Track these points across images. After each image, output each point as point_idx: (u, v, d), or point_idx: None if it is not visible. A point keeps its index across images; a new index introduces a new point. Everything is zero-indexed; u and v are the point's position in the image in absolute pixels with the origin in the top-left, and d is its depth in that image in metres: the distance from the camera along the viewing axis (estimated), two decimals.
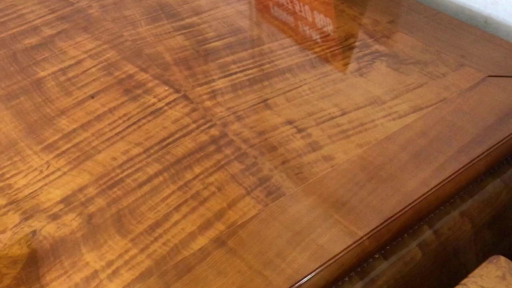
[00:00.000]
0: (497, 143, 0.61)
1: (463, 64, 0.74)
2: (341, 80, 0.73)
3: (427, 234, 0.59)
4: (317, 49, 0.80)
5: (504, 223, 0.67)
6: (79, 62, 0.81)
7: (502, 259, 0.52)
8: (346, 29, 0.84)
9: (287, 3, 0.92)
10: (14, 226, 0.57)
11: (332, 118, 0.67)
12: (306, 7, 0.91)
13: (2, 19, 0.93)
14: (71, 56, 0.83)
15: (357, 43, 0.81)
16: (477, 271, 0.51)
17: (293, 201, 0.57)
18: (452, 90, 0.70)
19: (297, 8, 0.91)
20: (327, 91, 0.72)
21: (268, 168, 0.61)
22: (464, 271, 0.54)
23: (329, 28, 0.85)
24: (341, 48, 0.80)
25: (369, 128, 0.65)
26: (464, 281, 0.50)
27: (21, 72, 0.80)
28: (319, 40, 0.82)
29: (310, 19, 0.88)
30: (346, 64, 0.76)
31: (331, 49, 0.80)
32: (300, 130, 0.66)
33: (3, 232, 0.56)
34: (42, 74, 0.79)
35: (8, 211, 0.58)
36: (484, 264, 0.52)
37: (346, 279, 0.54)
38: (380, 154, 0.61)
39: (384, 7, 0.90)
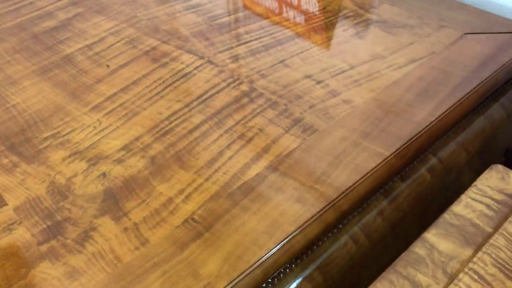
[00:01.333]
0: (482, 82, 0.74)
1: (443, 26, 0.88)
2: (344, 42, 0.85)
3: (432, 161, 0.70)
4: (317, 20, 0.91)
5: (490, 151, 0.80)
6: (102, 39, 0.87)
7: (500, 166, 0.65)
8: (338, 3, 0.96)
9: None
10: (83, 171, 0.63)
11: (344, 71, 0.78)
12: None
13: (13, 7, 0.98)
14: (92, 34, 0.89)
15: (350, 14, 0.92)
16: (482, 176, 0.64)
17: (326, 134, 0.67)
18: (438, 45, 0.83)
19: None
20: (334, 51, 0.83)
21: (299, 112, 0.70)
22: (463, 188, 0.65)
23: (324, 3, 0.96)
24: (338, 18, 0.91)
25: (376, 77, 0.76)
26: (474, 183, 0.62)
27: (48, 50, 0.85)
28: (317, 13, 0.93)
29: None
30: (345, 30, 0.88)
31: (330, 19, 0.91)
32: (318, 82, 0.76)
33: (74, 176, 0.62)
34: (69, 50, 0.85)
35: (74, 160, 0.64)
36: (486, 171, 0.64)
37: (373, 198, 0.64)
38: (390, 95, 0.73)
39: None
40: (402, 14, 0.91)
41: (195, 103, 0.73)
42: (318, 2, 0.97)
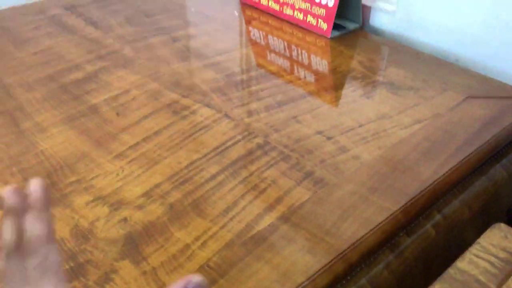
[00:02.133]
0: (483, 143, 0.79)
1: (446, 89, 0.93)
2: (353, 101, 0.90)
3: (437, 217, 0.74)
4: (328, 80, 0.97)
5: (492, 210, 0.83)
6: (126, 91, 0.93)
7: (502, 225, 0.68)
8: (348, 65, 1.02)
9: (288, 49, 1.09)
10: (105, 216, 0.66)
11: (353, 129, 0.83)
12: (305, 51, 1.09)
13: (44, 59, 1.05)
14: (116, 87, 0.95)
15: (359, 75, 0.98)
16: (485, 234, 0.66)
17: (336, 188, 0.70)
18: (442, 107, 0.88)
19: (297, 51, 1.09)
20: (343, 110, 0.88)
21: (310, 165, 0.75)
22: (467, 244, 0.68)
23: (334, 65, 1.03)
24: (347, 79, 0.97)
25: (384, 136, 0.81)
26: (478, 240, 0.65)
27: (75, 100, 0.91)
28: (328, 73, 0.99)
29: (311, 59, 1.06)
30: (354, 90, 0.93)
31: (339, 80, 0.97)
32: (329, 138, 0.80)
33: (97, 220, 0.66)
34: (95, 101, 0.91)
35: (97, 205, 0.68)
36: (488, 230, 0.67)
37: (380, 252, 0.67)
38: (396, 153, 0.77)
39: (375, 49, 1.09)
40: (408, 77, 0.97)
41: (212, 153, 0.77)
42: (329, 63, 1.04)
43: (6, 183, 0.72)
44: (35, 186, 0.37)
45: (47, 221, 0.37)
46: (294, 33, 1.16)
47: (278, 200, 0.68)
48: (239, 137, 0.81)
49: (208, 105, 0.89)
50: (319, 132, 0.82)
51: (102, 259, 0.60)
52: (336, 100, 0.91)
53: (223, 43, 1.11)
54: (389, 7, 1.15)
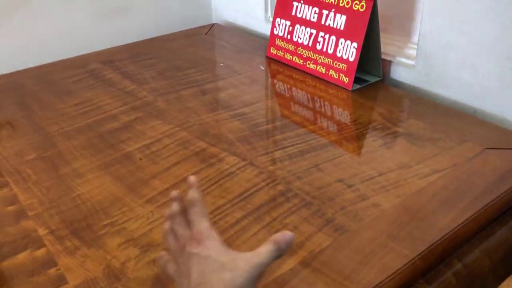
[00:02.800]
0: (501, 194, 0.80)
1: (465, 140, 0.96)
2: (373, 151, 0.93)
3: (458, 265, 0.75)
4: (349, 130, 1.01)
5: None
6: (158, 140, 1.00)
7: None
8: (368, 116, 1.07)
9: (311, 101, 1.15)
10: (136, 257, 0.70)
11: (373, 177, 0.86)
12: (327, 103, 1.14)
13: (83, 110, 1.13)
14: (150, 136, 1.01)
15: (379, 126, 1.02)
16: (505, 282, 0.67)
17: (356, 235, 0.73)
18: (460, 158, 0.90)
19: (319, 103, 1.14)
20: (364, 159, 0.91)
21: (331, 212, 0.78)
22: None
23: (355, 116, 1.07)
24: (367, 129, 1.01)
25: (403, 185, 0.84)
26: None
27: (110, 148, 0.98)
28: (349, 124, 1.04)
29: (333, 110, 1.11)
30: (374, 140, 0.97)
31: (360, 130, 1.01)
32: (349, 186, 0.84)
33: (128, 260, 0.70)
34: (129, 149, 0.97)
35: (128, 246, 0.72)
36: (508, 278, 0.68)
37: None
38: (415, 202, 0.79)
39: (394, 101, 1.14)
40: (427, 128, 1.00)
41: (237, 199, 0.81)
42: (350, 114, 1.08)
43: (46, 225, 0.77)
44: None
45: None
46: (317, 86, 1.22)
47: (300, 245, 0.71)
48: (263, 184, 0.85)
49: (234, 154, 0.94)
50: (340, 180, 0.85)
51: None
52: (357, 149, 0.95)
53: (249, 95, 1.18)
54: (409, 61, 1.20)
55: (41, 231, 0.76)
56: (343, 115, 1.09)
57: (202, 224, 0.55)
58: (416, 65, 1.18)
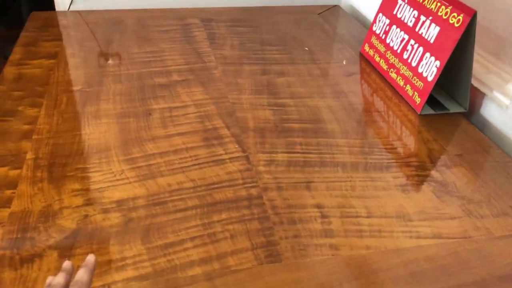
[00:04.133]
0: None
1: (508, 214, 0.75)
2: (382, 189, 0.79)
3: None
4: (376, 156, 0.87)
5: None
6: (184, 106, 0.99)
7: None
8: (413, 148, 0.90)
9: (381, 110, 1.01)
10: (76, 207, 0.73)
11: (357, 216, 0.73)
12: (395, 119, 0.99)
13: (149, 59, 1.18)
14: (181, 100, 1.02)
15: (415, 163, 0.86)
16: None
17: (285, 270, 0.64)
18: (482, 232, 0.71)
19: (386, 117, 0.99)
20: (365, 193, 0.78)
21: (279, 236, 0.69)
22: None
23: (399, 143, 0.92)
24: (399, 163, 0.86)
25: (385, 236, 0.70)
26: None
27: (140, 100, 1.01)
28: (383, 149, 0.89)
29: (387, 129, 0.96)
30: (395, 178, 0.82)
31: (389, 160, 0.86)
32: (324, 216, 0.73)
33: (66, 208, 0.72)
34: (155, 106, 0.99)
35: (78, 194, 0.75)
36: None
37: None
38: (381, 260, 0.66)
39: (459, 140, 0.94)
40: (471, 185, 0.81)
41: (203, 187, 0.77)
42: (396, 140, 0.93)
43: (36, 151, 0.84)
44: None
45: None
46: (392, 99, 1.07)
47: (219, 257, 0.65)
48: (240, 181, 0.79)
49: (239, 142, 0.89)
50: (319, 207, 0.75)
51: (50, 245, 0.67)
52: (365, 180, 0.81)
53: (305, 88, 1.09)
54: (505, 100, 0.97)
55: (29, 155, 0.83)
56: (387, 139, 0.94)
57: None
58: (510, 107, 0.95)
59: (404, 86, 1.07)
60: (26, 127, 0.90)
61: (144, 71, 1.13)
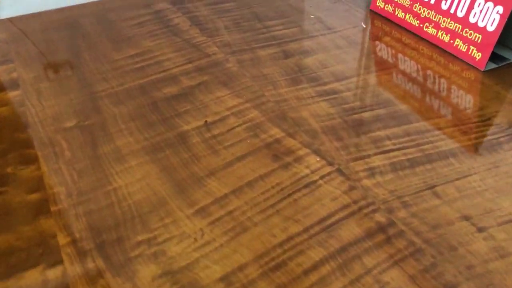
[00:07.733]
0: None
1: None
2: None
3: None
4: (478, 134, 0.74)
5: None
6: (222, 118, 0.78)
7: None
8: (507, 115, 0.78)
9: (425, 80, 0.87)
10: None
11: None
12: (448, 87, 0.86)
13: (140, 64, 0.93)
14: (213, 111, 0.80)
15: None
16: None
17: None
18: None
19: (438, 85, 0.85)
20: (502, 185, 0.65)
21: (452, 273, 0.54)
22: None
23: (487, 112, 0.79)
24: (506, 135, 0.73)
25: None
26: None
27: (164, 122, 0.78)
28: (478, 123, 0.76)
29: (457, 100, 0.82)
30: None
31: (495, 136, 0.73)
32: (479, 230, 0.58)
33: None
34: (186, 127, 0.77)
35: (165, 282, 0.54)
36: None
37: None
38: None
39: None
40: None
41: (316, 228, 0.59)
42: (479, 109, 0.80)
43: (69, 230, 0.60)
44: None
45: None
46: (435, 58, 0.93)
47: None
48: (354, 207, 0.62)
49: (317, 152, 0.71)
50: (466, 218, 0.60)
51: None
52: (490, 168, 0.68)
53: (343, 64, 0.92)
54: None
55: (61, 239, 0.59)
56: (470, 108, 0.80)
57: None
58: None
59: (452, 41, 0.94)
60: (33, 196, 0.65)
61: (143, 81, 0.88)
